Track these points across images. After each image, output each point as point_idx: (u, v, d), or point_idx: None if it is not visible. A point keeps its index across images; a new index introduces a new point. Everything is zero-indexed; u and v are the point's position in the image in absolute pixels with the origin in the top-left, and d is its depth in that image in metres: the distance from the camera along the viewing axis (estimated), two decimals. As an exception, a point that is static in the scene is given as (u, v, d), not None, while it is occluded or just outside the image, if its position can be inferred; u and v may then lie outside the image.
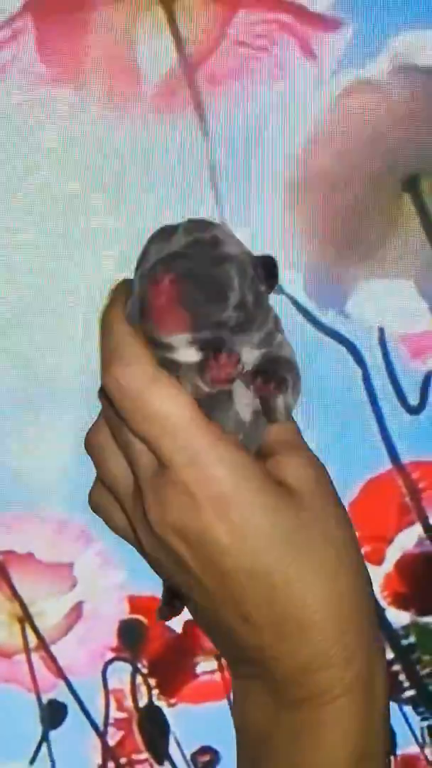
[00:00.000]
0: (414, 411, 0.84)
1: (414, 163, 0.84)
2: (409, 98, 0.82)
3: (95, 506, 0.41)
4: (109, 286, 0.38)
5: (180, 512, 0.34)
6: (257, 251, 0.37)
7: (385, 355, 0.84)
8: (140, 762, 0.89)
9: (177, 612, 0.39)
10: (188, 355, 0.35)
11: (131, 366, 0.35)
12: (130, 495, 0.38)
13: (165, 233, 0.36)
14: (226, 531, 0.34)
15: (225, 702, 0.88)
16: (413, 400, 0.85)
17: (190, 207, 0.83)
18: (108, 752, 0.88)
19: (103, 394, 0.37)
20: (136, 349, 0.35)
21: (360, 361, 0.84)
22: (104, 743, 0.88)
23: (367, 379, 0.84)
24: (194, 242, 0.35)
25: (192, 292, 0.34)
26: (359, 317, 0.85)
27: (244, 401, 0.37)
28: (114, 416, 0.37)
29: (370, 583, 0.38)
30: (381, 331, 0.85)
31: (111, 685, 0.88)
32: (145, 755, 0.89)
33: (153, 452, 0.35)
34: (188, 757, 0.89)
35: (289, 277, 0.85)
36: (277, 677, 0.35)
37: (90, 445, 0.40)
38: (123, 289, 0.37)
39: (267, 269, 0.37)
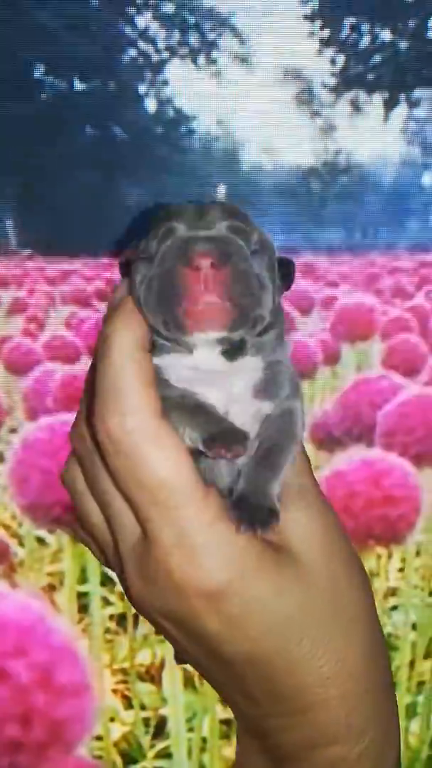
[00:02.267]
0: None
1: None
2: None
3: (82, 542, 0.38)
4: (115, 293, 0.33)
5: (166, 597, 0.32)
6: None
7: None
8: None
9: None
10: (207, 360, 0.32)
11: (131, 416, 0.31)
12: (110, 546, 0.35)
13: (192, 211, 0.32)
14: (219, 621, 0.32)
15: None
16: None
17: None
18: None
19: (89, 435, 0.33)
20: (141, 394, 0.31)
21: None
22: None
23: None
24: (231, 227, 0.32)
25: (237, 282, 0.30)
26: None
27: (247, 421, 0.35)
28: (95, 462, 0.33)
29: (385, 651, 0.36)
30: None
31: None
32: None
33: (138, 518, 0.32)
34: None
35: None
36: (281, 749, 0.34)
37: (66, 484, 0.36)
38: (132, 309, 0.32)
39: (286, 271, 0.35)
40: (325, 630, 0.34)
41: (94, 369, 0.33)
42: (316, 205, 1.98)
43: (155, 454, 0.31)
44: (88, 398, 0.33)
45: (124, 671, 1.36)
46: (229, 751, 1.19)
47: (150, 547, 0.32)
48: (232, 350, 0.32)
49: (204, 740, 1.14)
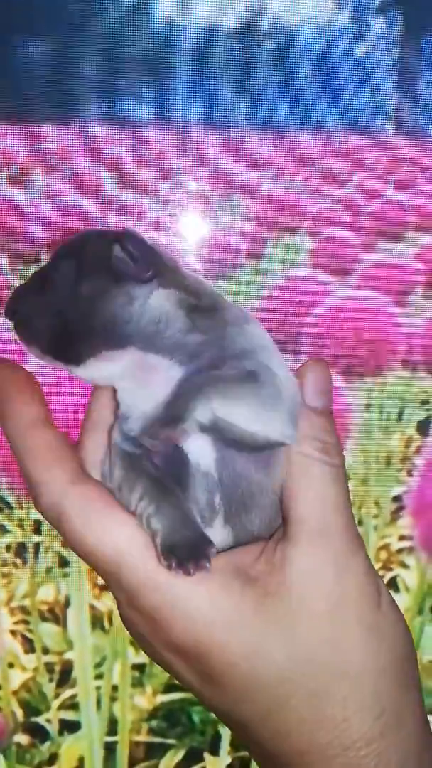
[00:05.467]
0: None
1: None
2: None
3: None
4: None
5: (143, 646, 0.32)
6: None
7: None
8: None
9: None
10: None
11: (43, 492, 0.31)
12: None
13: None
14: (196, 677, 0.30)
15: None
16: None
17: None
18: None
19: None
20: (44, 468, 0.32)
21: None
22: None
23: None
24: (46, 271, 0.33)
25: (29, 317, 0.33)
26: None
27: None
28: None
29: (418, 702, 0.32)
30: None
31: None
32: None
33: None
34: None
35: None
36: None
37: None
38: (11, 376, 0.34)
39: (131, 250, 0.32)
40: (318, 696, 0.30)
41: None
42: (236, 72, 1.78)
43: (77, 528, 0.30)
44: None
45: (24, 609, 1.23)
46: (143, 700, 1.10)
47: (118, 609, 0.32)
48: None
49: (115, 688, 1.04)
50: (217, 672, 0.30)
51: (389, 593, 0.33)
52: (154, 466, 0.32)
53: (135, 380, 0.32)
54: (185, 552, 0.29)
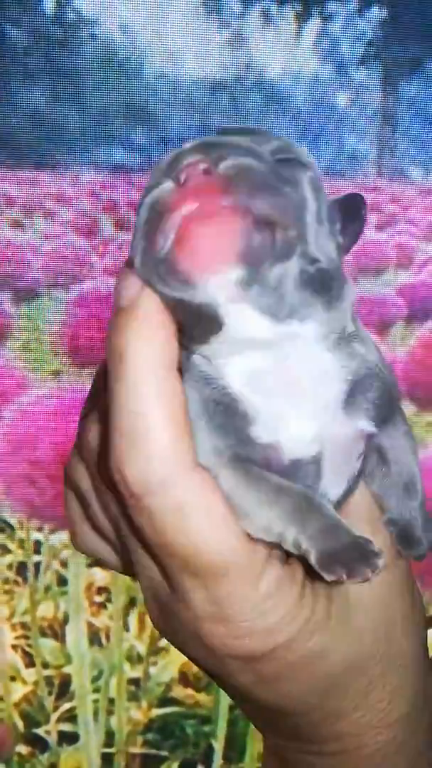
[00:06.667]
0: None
1: None
2: None
3: (86, 549, 0.32)
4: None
5: (191, 648, 0.28)
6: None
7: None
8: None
9: None
10: (240, 317, 0.23)
11: (157, 466, 0.24)
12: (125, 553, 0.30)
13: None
14: (253, 678, 0.28)
15: None
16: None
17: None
18: None
19: (106, 477, 0.27)
20: (170, 433, 0.24)
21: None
22: None
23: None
24: (245, 130, 0.25)
25: (250, 182, 0.22)
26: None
27: (341, 466, 0.28)
28: (112, 498, 0.28)
29: (427, 692, 0.34)
30: None
31: None
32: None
33: (164, 576, 0.27)
34: None
35: None
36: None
37: (71, 482, 0.31)
38: (151, 310, 0.24)
39: (353, 209, 0.28)
40: (372, 683, 0.31)
41: (106, 392, 0.25)
42: (225, 121, 1.86)
43: (192, 520, 0.24)
44: (102, 431, 0.27)
45: (24, 625, 1.29)
46: (138, 713, 1.14)
47: (178, 605, 0.27)
48: (276, 297, 0.22)
49: (111, 701, 1.08)
50: (282, 674, 0.28)
51: (419, 590, 0.34)
52: (279, 476, 0.27)
53: (275, 359, 0.26)
54: (350, 558, 0.25)
